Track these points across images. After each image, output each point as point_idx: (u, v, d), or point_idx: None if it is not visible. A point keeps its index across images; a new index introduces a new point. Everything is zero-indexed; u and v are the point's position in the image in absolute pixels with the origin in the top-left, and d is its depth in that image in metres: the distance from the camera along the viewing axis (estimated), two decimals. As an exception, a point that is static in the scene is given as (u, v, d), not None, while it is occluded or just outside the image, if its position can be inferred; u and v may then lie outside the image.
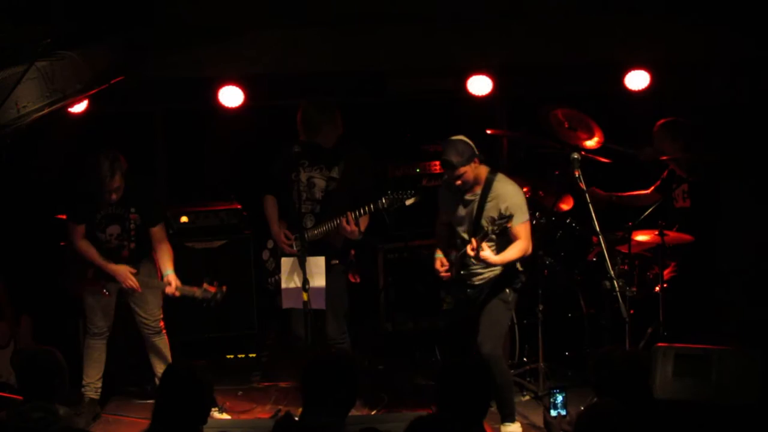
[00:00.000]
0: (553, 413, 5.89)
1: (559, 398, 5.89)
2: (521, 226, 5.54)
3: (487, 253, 5.44)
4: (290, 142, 5.92)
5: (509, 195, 5.58)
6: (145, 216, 6.15)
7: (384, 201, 5.67)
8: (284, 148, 6.02)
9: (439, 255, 5.86)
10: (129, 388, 6.71)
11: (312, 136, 5.91)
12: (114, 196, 6.01)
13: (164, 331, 6.33)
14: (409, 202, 5.65)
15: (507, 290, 5.72)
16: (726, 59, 6.71)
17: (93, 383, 6.29)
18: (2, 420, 4.02)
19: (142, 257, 6.25)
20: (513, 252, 5.56)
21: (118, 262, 6.13)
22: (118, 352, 6.58)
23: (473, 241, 5.46)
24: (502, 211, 5.52)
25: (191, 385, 3.92)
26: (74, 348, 6.95)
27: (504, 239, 5.60)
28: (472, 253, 5.43)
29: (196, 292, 6.09)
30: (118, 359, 6.64)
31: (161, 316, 6.32)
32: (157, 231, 6.20)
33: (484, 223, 5.56)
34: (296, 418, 3.99)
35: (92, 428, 6.12)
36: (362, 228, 5.86)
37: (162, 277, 6.16)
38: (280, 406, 6.38)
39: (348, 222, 5.75)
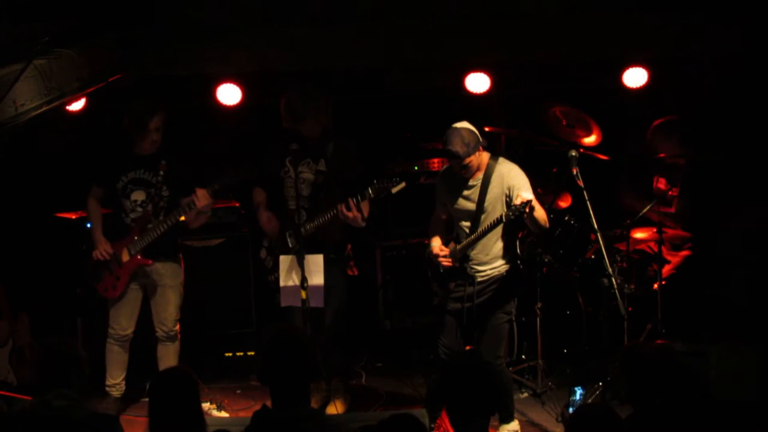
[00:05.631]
0: (571, 411, 5.86)
1: (578, 395, 5.86)
2: (534, 202, 5.33)
3: (529, 194, 5.28)
4: (281, 140, 5.84)
5: (513, 174, 5.51)
6: (174, 182, 6.02)
7: (370, 190, 5.63)
8: (272, 144, 6.00)
9: (436, 242, 5.75)
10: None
11: (295, 125, 5.82)
12: (156, 138, 5.95)
13: (179, 337, 6.26)
14: (395, 189, 5.59)
15: (511, 301, 5.66)
16: (723, 56, 6.72)
17: (117, 384, 6.30)
18: (25, 410, 3.99)
19: (168, 256, 6.15)
20: (542, 211, 5.42)
21: (141, 233, 5.98)
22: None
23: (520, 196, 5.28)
24: (506, 191, 5.47)
25: (179, 391, 3.90)
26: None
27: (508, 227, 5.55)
28: (523, 199, 5.20)
29: (225, 178, 5.88)
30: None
31: (179, 317, 6.23)
32: None
33: (488, 206, 5.50)
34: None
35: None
36: (365, 214, 5.79)
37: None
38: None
39: (349, 208, 5.68)
